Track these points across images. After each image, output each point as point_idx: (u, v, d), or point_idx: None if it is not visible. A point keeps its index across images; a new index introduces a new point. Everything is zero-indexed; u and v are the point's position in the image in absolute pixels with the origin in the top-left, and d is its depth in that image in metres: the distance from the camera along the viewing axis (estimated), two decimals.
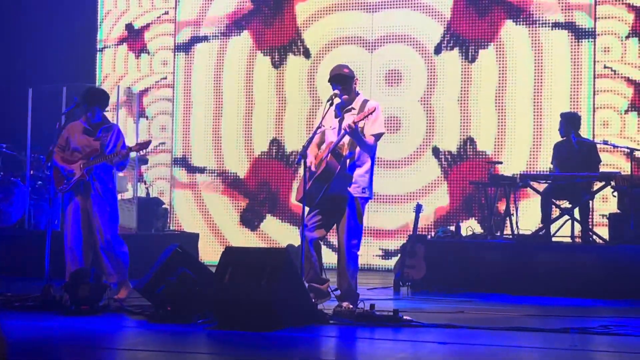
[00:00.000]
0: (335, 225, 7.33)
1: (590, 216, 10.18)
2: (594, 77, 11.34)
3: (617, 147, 10.21)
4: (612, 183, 9.72)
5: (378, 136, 7.29)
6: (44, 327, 6.60)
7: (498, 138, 11.66)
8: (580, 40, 11.40)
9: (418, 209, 9.93)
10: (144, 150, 8.03)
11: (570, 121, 10.11)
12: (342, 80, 7.30)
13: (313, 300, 7.01)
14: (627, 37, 11.28)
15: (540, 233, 9.84)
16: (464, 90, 11.84)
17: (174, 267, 7.06)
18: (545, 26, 11.56)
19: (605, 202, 10.65)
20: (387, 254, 11.83)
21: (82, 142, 7.85)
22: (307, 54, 12.50)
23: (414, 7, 12.12)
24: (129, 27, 13.38)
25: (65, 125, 7.96)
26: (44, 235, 7.82)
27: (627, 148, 9.91)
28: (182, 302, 6.75)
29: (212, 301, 6.58)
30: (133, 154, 8.14)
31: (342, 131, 7.10)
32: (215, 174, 12.83)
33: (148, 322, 6.77)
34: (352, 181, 7.21)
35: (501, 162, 11.18)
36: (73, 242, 7.80)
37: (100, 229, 7.76)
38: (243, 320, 6.33)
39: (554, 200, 9.97)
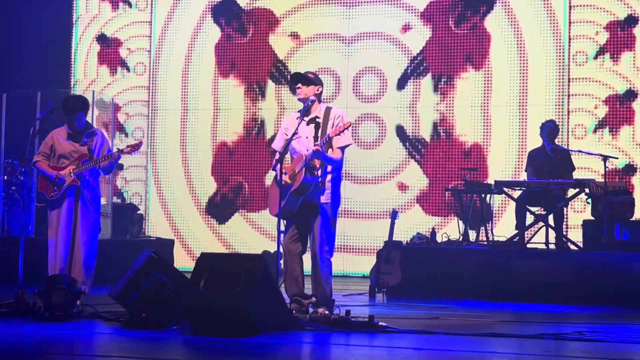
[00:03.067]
0: (309, 233, 7.35)
1: (564, 223, 10.25)
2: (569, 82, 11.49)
3: (591, 154, 10.29)
4: (586, 190, 9.80)
5: (345, 148, 7.31)
6: (18, 333, 6.54)
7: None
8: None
9: (394, 215, 9.94)
10: (135, 152, 8.06)
11: (548, 129, 10.18)
12: (303, 80, 7.36)
13: (293, 312, 7.02)
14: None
15: (515, 240, 9.89)
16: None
17: (149, 273, 7.02)
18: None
19: (580, 212, 10.76)
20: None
21: (69, 148, 7.97)
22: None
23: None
24: (101, 37, 13.34)
25: (39, 131, 7.96)
26: (18, 241, 7.78)
27: (601, 155, 9.98)
28: (157, 309, 6.72)
29: (188, 307, 6.54)
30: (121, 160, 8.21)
31: (309, 152, 7.11)
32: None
33: (123, 328, 6.72)
34: (323, 189, 7.24)
35: (476, 169, 11.22)
36: (61, 242, 7.86)
37: (81, 238, 7.85)
38: (218, 327, 6.31)
39: (529, 207, 10.03)
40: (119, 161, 8.13)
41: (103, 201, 11.27)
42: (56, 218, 7.95)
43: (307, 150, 7.20)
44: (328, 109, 7.37)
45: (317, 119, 7.33)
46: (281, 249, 7.38)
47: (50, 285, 7.19)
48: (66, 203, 7.93)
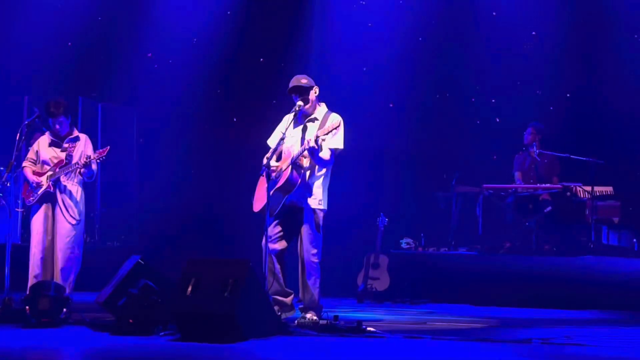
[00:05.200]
0: (295, 236, 7.32)
1: (552, 227, 10.27)
2: None
3: (578, 159, 10.30)
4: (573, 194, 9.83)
5: (335, 151, 7.28)
6: (4, 340, 6.51)
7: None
8: None
9: (381, 221, 9.95)
10: (102, 158, 7.92)
11: (539, 132, 10.23)
12: (300, 91, 7.31)
13: (278, 312, 6.99)
14: None
15: (502, 244, 9.90)
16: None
17: (136, 279, 7.00)
18: None
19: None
20: None
21: (50, 154, 7.99)
22: None
23: None
24: None
25: (25, 136, 7.92)
26: (4, 248, 7.75)
27: (588, 160, 10.01)
28: (144, 315, 6.69)
29: (175, 313, 6.52)
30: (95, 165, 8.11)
31: (304, 144, 7.08)
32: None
33: (110, 334, 6.70)
34: (310, 192, 7.22)
35: (458, 174, 11.23)
36: (35, 248, 7.85)
37: (57, 244, 7.84)
38: (206, 332, 6.29)
39: (516, 212, 10.04)
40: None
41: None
42: (34, 225, 7.91)
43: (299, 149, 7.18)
44: (328, 113, 7.37)
45: (316, 120, 7.32)
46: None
47: (36, 292, 7.17)
48: (43, 209, 7.92)
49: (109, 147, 7.96)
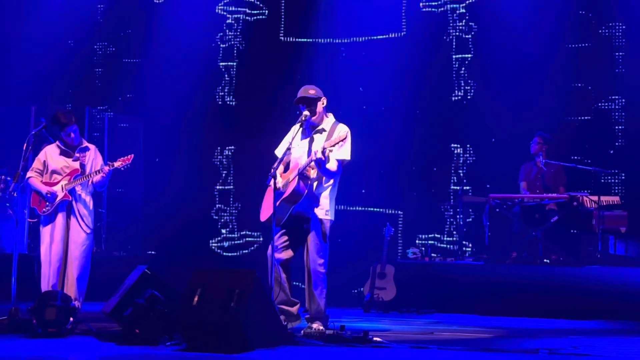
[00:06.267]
0: (301, 246, 7.32)
1: (558, 237, 10.25)
2: None
3: (585, 169, 10.29)
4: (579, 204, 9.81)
5: (342, 162, 7.28)
6: (11, 350, 6.51)
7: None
8: None
9: (387, 230, 9.94)
10: (126, 166, 7.98)
11: (546, 142, 10.22)
12: (308, 102, 7.31)
13: (284, 322, 6.98)
14: None
15: (509, 254, 9.89)
16: None
17: (142, 289, 7.00)
18: None
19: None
20: None
21: (61, 164, 8.00)
22: None
23: None
24: None
25: (32, 147, 7.94)
26: (10, 258, 7.75)
27: (595, 169, 9.99)
28: (151, 325, 6.69)
29: (181, 323, 6.52)
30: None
31: (311, 156, 7.07)
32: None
33: (116, 344, 6.69)
34: (317, 203, 7.22)
35: (463, 184, 11.22)
36: (52, 258, 7.85)
37: (73, 254, 7.85)
38: (212, 342, 6.29)
39: (522, 222, 10.03)
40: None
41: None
42: (49, 234, 7.93)
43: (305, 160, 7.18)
44: (335, 124, 7.36)
45: (323, 131, 7.32)
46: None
47: (43, 301, 7.16)
48: (59, 218, 7.94)
49: (132, 155, 8.00)
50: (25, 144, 7.89)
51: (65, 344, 6.77)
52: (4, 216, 11.15)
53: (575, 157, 10.87)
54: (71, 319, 7.23)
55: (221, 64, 12.77)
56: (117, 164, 7.86)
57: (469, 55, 11.78)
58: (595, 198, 9.70)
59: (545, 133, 10.51)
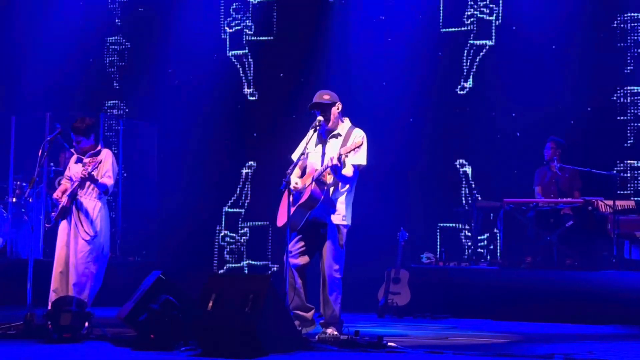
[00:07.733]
0: (317, 251, 7.31)
1: (573, 242, 10.22)
2: None
3: (600, 173, 10.25)
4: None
5: (358, 167, 7.26)
6: (26, 355, 6.53)
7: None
8: None
9: (402, 235, 9.93)
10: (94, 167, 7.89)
11: (559, 146, 10.19)
12: (322, 107, 7.29)
13: (298, 327, 6.98)
14: None
15: (524, 259, 9.86)
16: None
17: (157, 295, 7.01)
18: None
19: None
20: None
21: (75, 170, 8.00)
22: None
23: None
24: None
25: (47, 153, 7.97)
26: (26, 263, 7.77)
27: (609, 173, 9.96)
28: (165, 330, 6.70)
29: (196, 328, 6.53)
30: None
31: (327, 162, 7.07)
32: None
33: (131, 350, 6.70)
34: (333, 208, 7.21)
35: (476, 190, 11.19)
36: (56, 262, 7.88)
37: (71, 259, 7.84)
38: (227, 348, 6.29)
39: (537, 226, 10.00)
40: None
41: None
42: (57, 239, 7.96)
43: (321, 165, 7.17)
44: (351, 129, 7.35)
45: (339, 136, 7.31)
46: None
47: (58, 307, 7.18)
48: (62, 224, 7.93)
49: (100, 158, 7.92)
50: (40, 150, 7.92)
51: (81, 350, 6.78)
52: (19, 222, 11.19)
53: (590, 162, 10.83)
54: (86, 324, 7.25)
55: (232, 56, 12.78)
56: (89, 169, 7.75)
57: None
58: (610, 202, 9.67)
59: (557, 137, 10.49)
